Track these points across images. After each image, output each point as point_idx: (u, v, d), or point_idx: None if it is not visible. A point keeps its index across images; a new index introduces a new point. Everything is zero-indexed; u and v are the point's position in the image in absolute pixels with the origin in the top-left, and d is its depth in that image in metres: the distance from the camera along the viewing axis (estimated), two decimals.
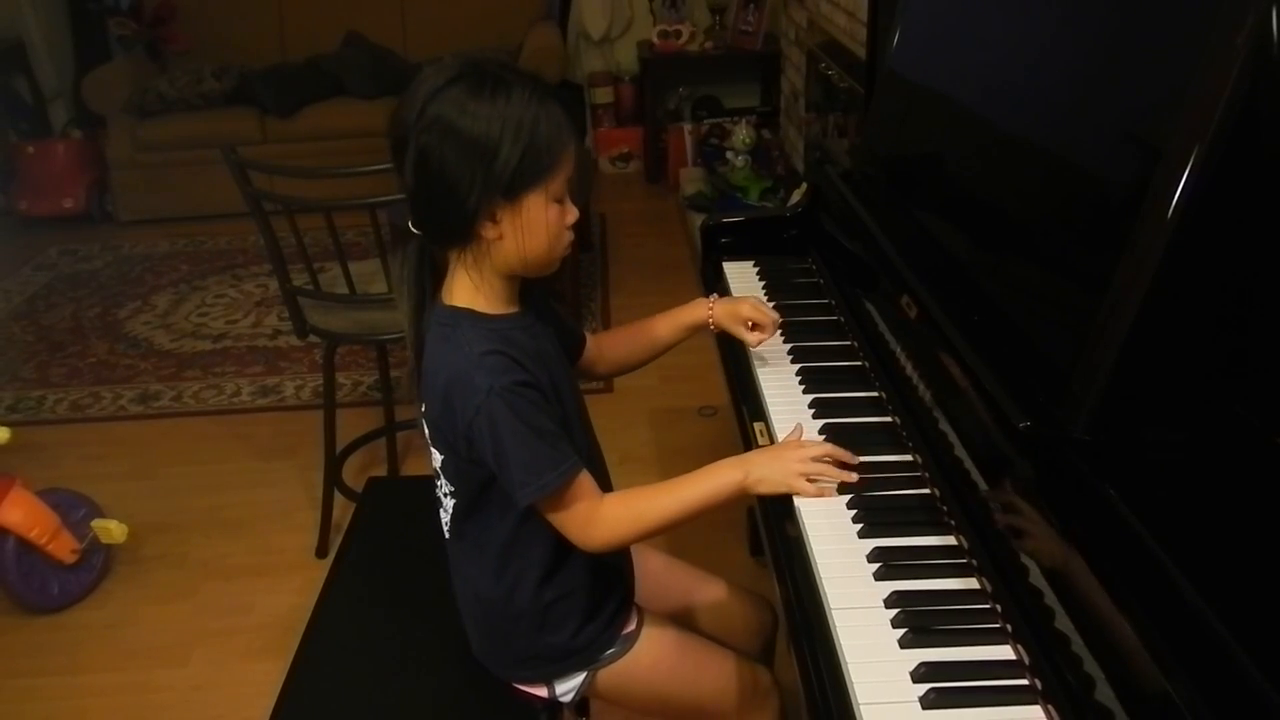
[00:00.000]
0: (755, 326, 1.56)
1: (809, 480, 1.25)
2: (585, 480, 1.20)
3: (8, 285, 4.29)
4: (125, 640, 2.30)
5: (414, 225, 1.21)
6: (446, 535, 1.36)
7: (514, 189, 1.13)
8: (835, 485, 1.26)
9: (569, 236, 1.22)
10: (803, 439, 1.33)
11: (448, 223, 1.17)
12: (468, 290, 1.21)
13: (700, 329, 1.58)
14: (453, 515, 1.32)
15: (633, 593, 1.41)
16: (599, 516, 1.21)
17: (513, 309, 1.24)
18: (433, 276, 1.26)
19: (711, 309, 1.57)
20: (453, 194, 1.13)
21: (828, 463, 1.27)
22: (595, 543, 1.23)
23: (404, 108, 1.14)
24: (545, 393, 1.20)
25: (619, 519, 1.22)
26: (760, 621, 1.56)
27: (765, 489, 1.26)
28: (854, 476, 1.27)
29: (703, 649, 1.42)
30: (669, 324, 1.56)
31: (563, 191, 1.18)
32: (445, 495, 1.31)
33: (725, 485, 1.24)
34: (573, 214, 1.21)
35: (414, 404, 1.30)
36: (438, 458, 1.28)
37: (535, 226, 1.17)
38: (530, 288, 1.28)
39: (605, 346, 1.53)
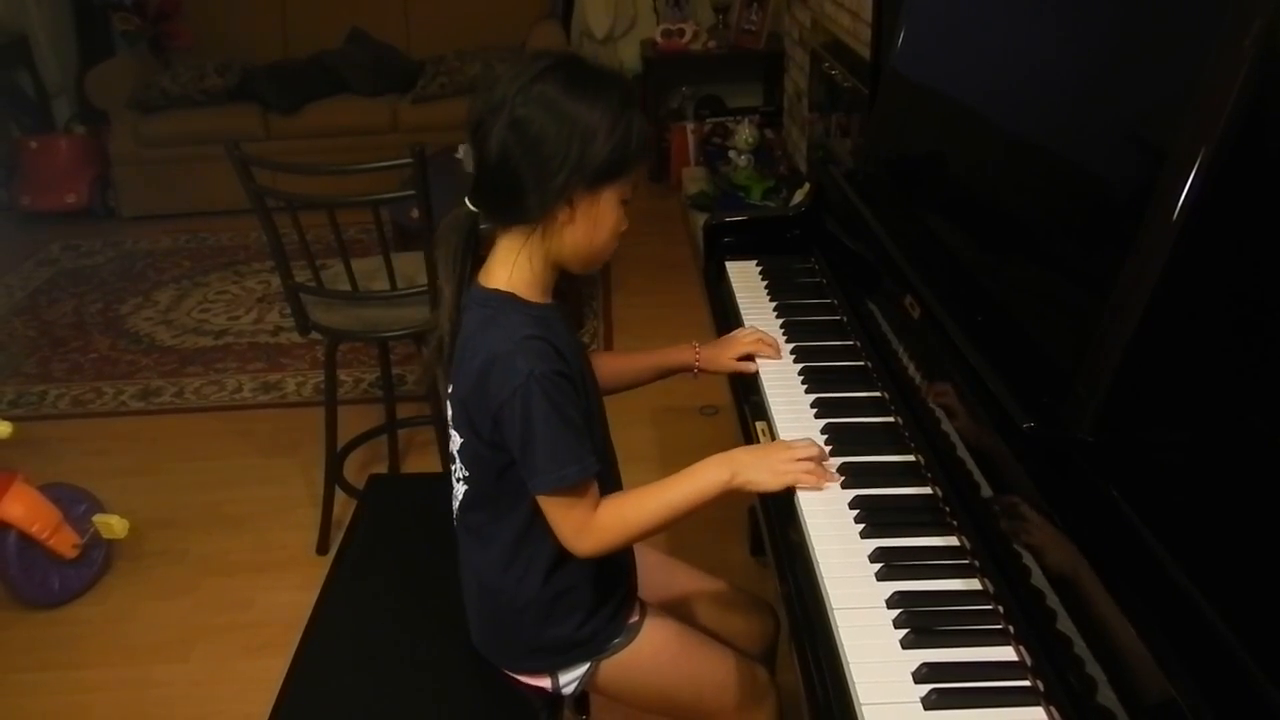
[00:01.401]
0: (748, 355, 1.60)
1: (793, 479, 1.28)
2: (594, 487, 1.22)
3: (10, 280, 4.29)
4: (126, 635, 2.31)
5: (474, 202, 1.23)
6: (455, 523, 1.36)
7: (598, 179, 1.17)
8: (823, 483, 1.28)
9: (615, 244, 1.26)
10: (790, 440, 1.34)
11: (525, 199, 1.18)
12: (510, 274, 1.23)
13: (685, 371, 1.61)
14: (464, 501, 1.32)
15: (635, 587, 1.41)
16: (593, 525, 1.22)
17: (549, 300, 1.26)
18: (474, 256, 1.28)
19: (697, 355, 1.60)
20: (542, 168, 1.15)
21: (812, 463, 1.28)
22: (584, 549, 1.23)
23: (491, 93, 1.17)
24: (577, 386, 1.21)
25: (608, 527, 1.23)
26: (762, 626, 1.56)
27: (752, 489, 1.27)
28: (838, 479, 1.29)
29: (703, 644, 1.42)
30: (652, 361, 1.60)
31: (630, 196, 1.22)
32: (459, 480, 1.32)
33: (712, 485, 1.26)
34: (626, 222, 1.25)
35: (436, 384, 1.31)
36: (457, 440, 1.28)
37: (605, 221, 1.21)
38: (562, 285, 1.29)
39: (596, 365, 1.53)
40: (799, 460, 1.28)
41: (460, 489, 1.32)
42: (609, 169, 1.17)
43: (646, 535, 1.25)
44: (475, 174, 1.22)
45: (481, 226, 1.26)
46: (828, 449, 1.35)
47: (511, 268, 1.22)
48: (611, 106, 1.16)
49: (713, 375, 1.63)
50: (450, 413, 1.29)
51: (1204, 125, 0.89)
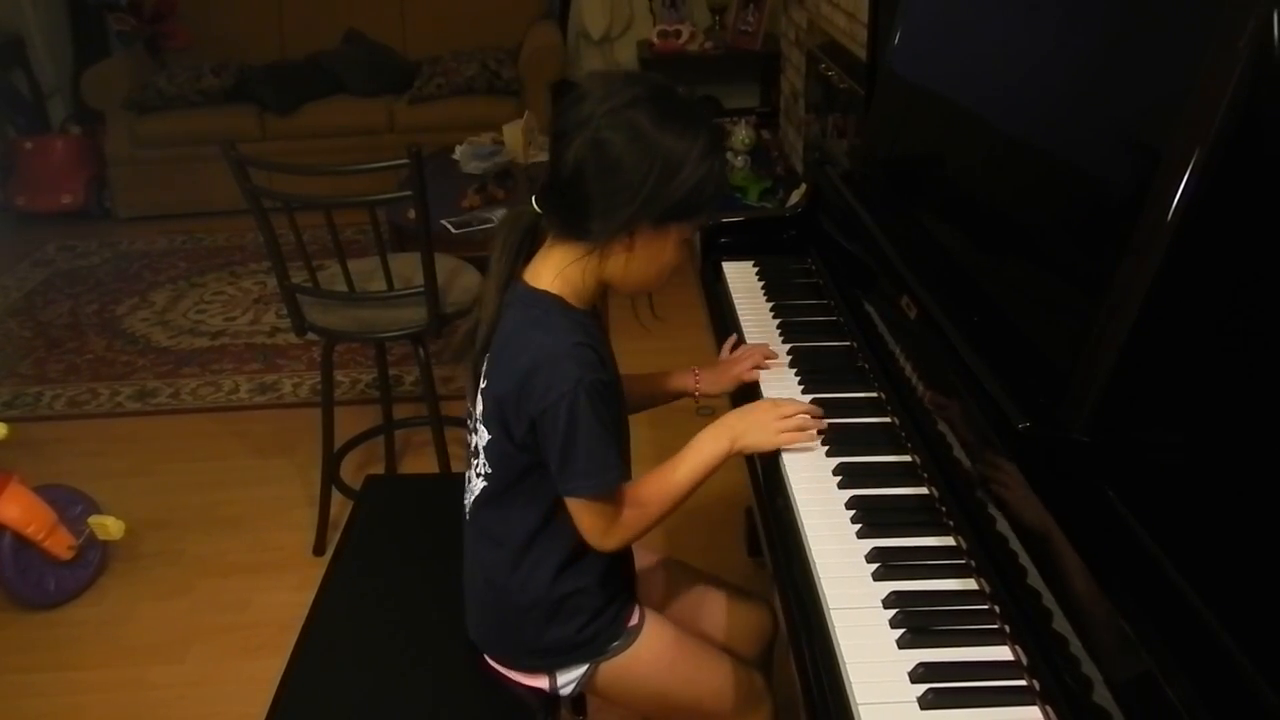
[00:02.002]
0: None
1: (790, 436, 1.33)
2: (623, 490, 1.25)
3: (5, 281, 4.28)
4: (122, 637, 2.30)
5: (540, 204, 1.23)
6: (467, 518, 1.36)
7: (667, 217, 1.17)
8: (817, 437, 1.34)
9: (666, 276, 1.26)
10: (777, 399, 1.39)
11: (590, 221, 1.17)
12: (565, 281, 1.23)
13: (684, 396, 1.62)
14: (479, 498, 1.32)
15: (635, 588, 1.42)
16: (620, 522, 1.25)
17: (588, 308, 1.27)
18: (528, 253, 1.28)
19: (697, 381, 1.60)
20: (613, 195, 1.15)
21: (802, 418, 1.35)
22: (611, 545, 1.27)
23: (579, 106, 1.16)
24: (614, 393, 1.23)
25: (631, 520, 1.26)
26: (760, 626, 1.56)
27: (752, 450, 1.34)
28: (824, 424, 1.36)
29: (701, 649, 1.42)
30: (654, 387, 1.60)
31: (691, 236, 1.23)
32: (478, 476, 1.32)
33: (715, 455, 1.31)
34: (680, 256, 1.25)
35: (466, 377, 1.31)
36: (485, 436, 1.28)
37: (663, 258, 1.23)
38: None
39: None
40: (789, 417, 1.33)
41: (479, 484, 1.32)
42: (681, 209, 1.17)
43: (665, 518, 1.29)
44: (548, 178, 1.22)
45: (542, 224, 1.26)
46: (821, 443, 1.37)
47: (561, 273, 1.23)
48: (698, 147, 1.15)
49: (710, 397, 1.63)
50: (481, 407, 1.28)
51: (1199, 125, 0.90)
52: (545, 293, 1.23)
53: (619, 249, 1.19)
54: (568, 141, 1.16)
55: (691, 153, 1.15)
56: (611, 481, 1.21)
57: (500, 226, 1.27)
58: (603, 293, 1.28)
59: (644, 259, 1.21)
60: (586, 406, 1.16)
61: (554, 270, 1.23)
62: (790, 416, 1.34)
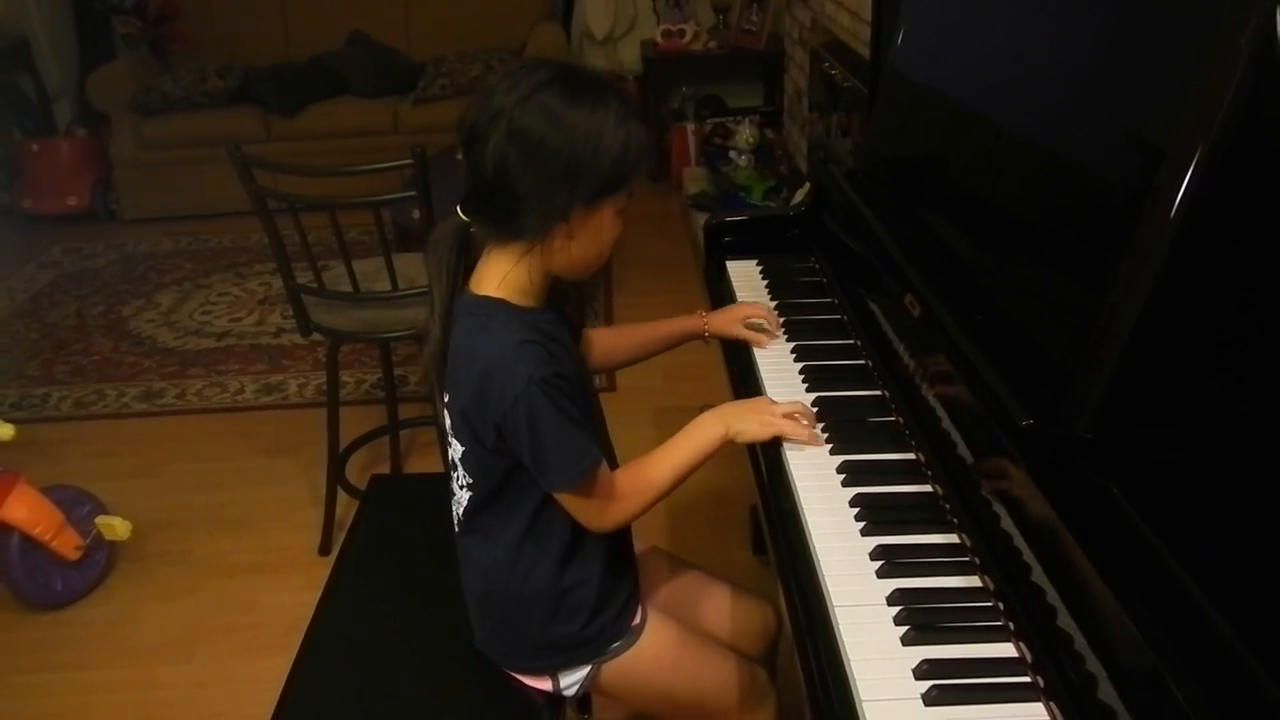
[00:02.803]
0: (754, 327, 1.63)
1: (781, 425, 1.35)
2: (606, 468, 1.24)
3: (12, 283, 4.30)
4: (128, 637, 2.31)
5: (466, 212, 1.22)
6: (458, 529, 1.37)
7: (598, 195, 1.17)
8: (808, 432, 1.36)
9: (608, 252, 1.27)
10: (772, 398, 1.42)
11: (522, 217, 1.17)
12: (507, 283, 1.22)
13: (693, 339, 1.64)
14: (468, 507, 1.32)
15: (639, 584, 1.42)
16: (613, 501, 1.26)
17: (539, 304, 1.26)
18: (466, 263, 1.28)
19: (706, 322, 1.62)
20: (541, 185, 1.14)
21: (797, 418, 1.36)
22: (609, 524, 1.28)
23: (489, 101, 1.15)
24: (573, 383, 1.22)
25: (627, 497, 1.27)
26: (764, 624, 1.56)
27: (745, 439, 1.36)
28: (819, 438, 1.37)
29: (704, 647, 1.42)
30: (660, 331, 1.62)
31: (626, 204, 1.22)
32: (461, 488, 1.32)
33: (710, 440, 1.32)
34: (621, 227, 1.25)
35: (432, 394, 1.32)
36: (459, 449, 1.28)
37: (603, 235, 1.22)
38: (565, 288, 1.31)
39: (594, 340, 1.55)
40: (784, 415, 1.35)
41: (465, 495, 1.32)
42: (610, 182, 1.17)
43: (660, 499, 1.30)
44: (469, 184, 1.21)
45: (472, 230, 1.25)
46: (824, 437, 1.37)
47: (503, 277, 1.22)
48: (609, 124, 1.14)
49: (721, 339, 1.67)
50: (449, 422, 1.28)
51: (1201, 123, 0.90)
52: (489, 298, 1.22)
53: (559, 238, 1.19)
54: (484, 141, 1.15)
55: (606, 123, 1.14)
56: (587, 468, 1.20)
57: (430, 243, 1.26)
58: (550, 283, 1.27)
59: (585, 241, 1.21)
60: (544, 402, 1.16)
61: (497, 275, 1.22)
62: (786, 416, 1.36)
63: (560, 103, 1.13)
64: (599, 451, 1.22)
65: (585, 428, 1.21)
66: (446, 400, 1.28)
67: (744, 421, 1.34)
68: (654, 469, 1.30)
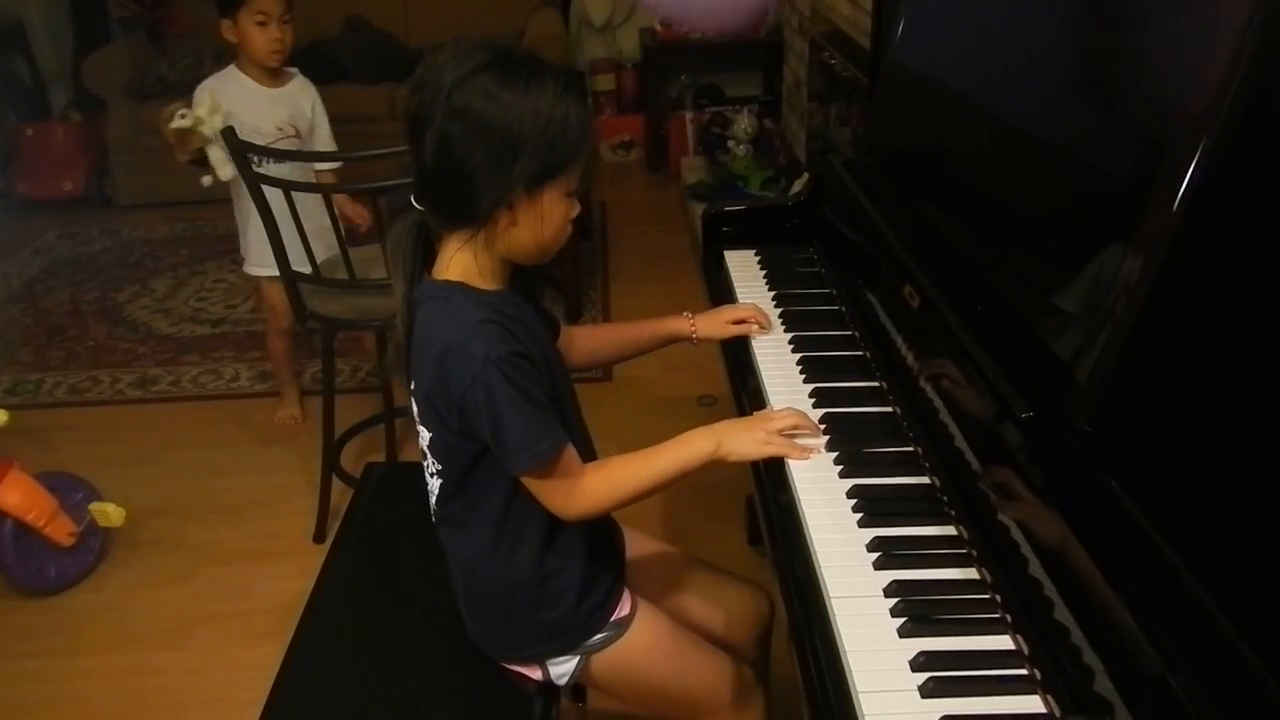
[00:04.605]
0: (741, 323, 1.63)
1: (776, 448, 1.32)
2: (572, 452, 1.23)
3: (6, 268, 4.28)
4: (123, 623, 2.31)
5: (418, 201, 1.22)
6: (434, 518, 1.36)
7: (536, 183, 1.15)
8: (805, 453, 1.32)
9: (569, 231, 1.24)
10: (772, 410, 1.39)
11: (463, 207, 1.17)
12: (463, 268, 1.22)
13: (681, 341, 1.62)
14: (439, 496, 1.32)
15: (624, 569, 1.42)
16: (580, 487, 1.24)
17: (501, 286, 1.26)
18: (426, 253, 1.27)
19: (692, 323, 1.61)
20: (474, 181, 1.14)
21: (794, 433, 1.33)
22: (573, 512, 1.25)
23: (426, 88, 1.14)
24: (537, 364, 1.21)
25: (596, 490, 1.25)
26: (757, 611, 1.56)
27: (735, 459, 1.31)
28: (819, 448, 1.33)
29: (694, 642, 1.42)
30: (646, 332, 1.60)
31: (576, 186, 1.20)
32: (432, 475, 1.32)
33: (698, 455, 1.28)
34: (577, 208, 1.23)
35: (402, 383, 1.31)
36: (426, 435, 1.28)
37: (549, 219, 1.19)
38: (520, 271, 1.29)
39: (577, 337, 1.54)
40: (781, 432, 1.32)
41: (435, 483, 1.32)
42: (546, 171, 1.15)
43: (633, 500, 1.27)
44: (414, 172, 1.20)
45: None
46: (822, 429, 1.37)
47: (454, 260, 1.22)
48: (545, 105, 1.12)
49: (710, 342, 1.65)
50: (416, 409, 1.28)
51: (1205, 115, 0.89)
52: (447, 282, 1.22)
53: (503, 223, 1.18)
54: (423, 127, 1.14)
55: (542, 106, 1.12)
56: (547, 450, 1.18)
57: (390, 237, 1.25)
58: (511, 268, 1.26)
59: (531, 227, 1.19)
60: (501, 380, 1.14)
61: (452, 260, 1.22)
62: (782, 430, 1.33)
63: (496, 85, 1.12)
64: (563, 435, 1.20)
65: (551, 411, 1.20)
66: (413, 387, 1.27)
67: (737, 441, 1.30)
68: (631, 469, 1.27)
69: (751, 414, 1.43)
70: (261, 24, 2.46)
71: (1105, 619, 0.87)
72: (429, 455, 1.30)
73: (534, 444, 1.17)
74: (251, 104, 2.54)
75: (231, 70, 2.58)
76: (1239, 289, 0.96)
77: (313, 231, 2.22)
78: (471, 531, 1.31)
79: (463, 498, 1.30)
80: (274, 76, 2.58)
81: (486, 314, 1.18)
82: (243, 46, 2.53)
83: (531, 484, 1.23)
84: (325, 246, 2.30)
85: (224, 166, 2.39)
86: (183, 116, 2.34)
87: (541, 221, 1.19)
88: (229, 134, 2.18)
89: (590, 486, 1.24)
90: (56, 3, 5.12)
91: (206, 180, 2.48)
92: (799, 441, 1.33)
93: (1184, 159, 0.90)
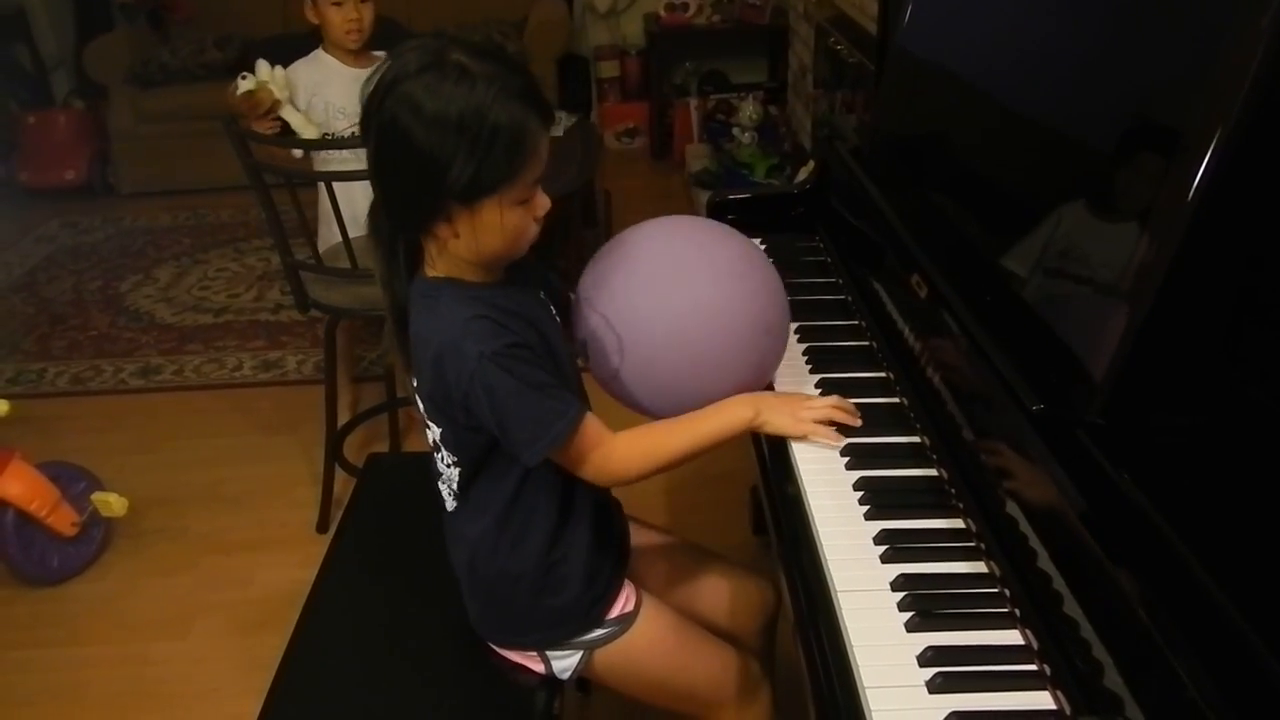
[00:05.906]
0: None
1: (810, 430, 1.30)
2: (593, 422, 1.21)
3: (8, 257, 4.27)
4: (125, 613, 2.30)
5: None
6: (448, 507, 1.35)
7: (470, 197, 1.10)
8: (839, 438, 1.31)
9: (535, 229, 1.19)
10: (811, 396, 1.37)
11: (403, 218, 1.16)
12: (449, 263, 1.20)
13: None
14: (460, 482, 1.31)
15: (628, 558, 1.41)
16: (614, 455, 1.22)
17: (495, 277, 1.23)
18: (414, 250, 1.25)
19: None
20: (405, 193, 1.12)
21: (830, 422, 1.32)
22: (609, 479, 1.26)
23: (372, 91, 1.11)
24: (535, 349, 1.19)
25: (631, 456, 1.24)
26: (762, 600, 1.55)
27: (771, 430, 1.30)
28: (857, 423, 1.32)
29: (699, 636, 1.41)
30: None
31: (528, 193, 1.14)
32: (448, 466, 1.30)
33: (736, 421, 1.27)
34: (543, 205, 1.18)
35: (407, 381, 1.30)
36: (435, 430, 1.27)
37: (491, 230, 1.14)
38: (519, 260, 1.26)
39: None
40: (818, 416, 1.31)
41: (454, 472, 1.30)
42: (478, 186, 1.09)
43: (672, 465, 1.26)
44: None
45: None
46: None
47: (445, 258, 1.20)
48: (472, 117, 1.05)
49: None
50: (422, 407, 1.27)
51: (1220, 105, 0.88)
52: (435, 279, 1.20)
53: (444, 234, 1.14)
54: (367, 131, 1.12)
55: (464, 131, 1.06)
56: (562, 431, 1.16)
57: (368, 238, 1.23)
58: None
59: (476, 236, 1.14)
60: (499, 376, 1.13)
61: (435, 255, 1.20)
62: (818, 418, 1.31)
63: (419, 98, 1.06)
64: (578, 408, 1.18)
65: (558, 388, 1.18)
66: (416, 385, 1.26)
67: (775, 412, 1.29)
68: (670, 435, 1.26)
69: (793, 392, 1.42)
70: (337, 4, 2.46)
71: (1116, 614, 0.86)
72: (441, 448, 1.29)
73: (547, 430, 1.16)
74: (336, 84, 2.52)
75: (318, 53, 2.58)
76: (1253, 280, 0.95)
77: (350, 218, 2.20)
78: (483, 515, 1.30)
79: (485, 478, 1.29)
80: (358, 57, 2.57)
81: (477, 309, 1.15)
82: (324, 28, 2.53)
83: (562, 461, 1.22)
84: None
85: (306, 128, 2.41)
86: (245, 78, 2.36)
87: (482, 234, 1.14)
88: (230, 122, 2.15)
89: (626, 454, 1.23)
90: None
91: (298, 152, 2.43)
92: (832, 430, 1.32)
93: (1199, 148, 0.88)
